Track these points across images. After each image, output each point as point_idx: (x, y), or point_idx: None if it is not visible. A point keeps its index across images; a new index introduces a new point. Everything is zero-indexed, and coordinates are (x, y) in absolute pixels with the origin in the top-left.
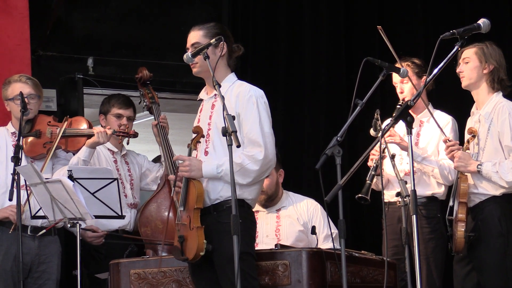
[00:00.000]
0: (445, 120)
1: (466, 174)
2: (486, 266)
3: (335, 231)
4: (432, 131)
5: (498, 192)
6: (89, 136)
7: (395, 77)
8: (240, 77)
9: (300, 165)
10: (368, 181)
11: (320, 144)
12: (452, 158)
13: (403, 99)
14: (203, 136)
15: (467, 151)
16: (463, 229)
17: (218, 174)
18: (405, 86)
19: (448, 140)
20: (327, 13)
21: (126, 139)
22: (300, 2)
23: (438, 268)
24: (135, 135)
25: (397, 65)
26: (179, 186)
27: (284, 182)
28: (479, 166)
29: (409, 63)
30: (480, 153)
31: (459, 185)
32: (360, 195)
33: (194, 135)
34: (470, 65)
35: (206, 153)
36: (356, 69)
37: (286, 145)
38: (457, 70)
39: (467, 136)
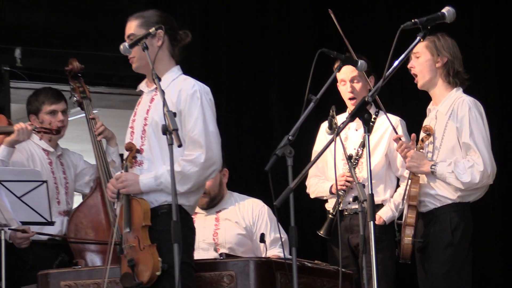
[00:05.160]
0: (393, 121)
1: (418, 175)
2: (430, 277)
3: (284, 235)
4: (379, 132)
5: (455, 196)
6: (8, 133)
7: (345, 74)
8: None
9: (249, 165)
10: (330, 216)
11: (273, 142)
12: (405, 158)
13: (351, 99)
14: (138, 152)
15: (421, 150)
16: (411, 235)
17: (157, 187)
18: (355, 86)
19: (400, 138)
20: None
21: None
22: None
23: (388, 277)
24: (58, 131)
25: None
26: (113, 197)
27: (232, 185)
28: (433, 167)
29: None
30: (435, 152)
31: (410, 187)
32: (321, 233)
33: (127, 152)
34: (421, 60)
35: (142, 150)
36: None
37: (233, 143)
38: (408, 66)
39: (422, 135)
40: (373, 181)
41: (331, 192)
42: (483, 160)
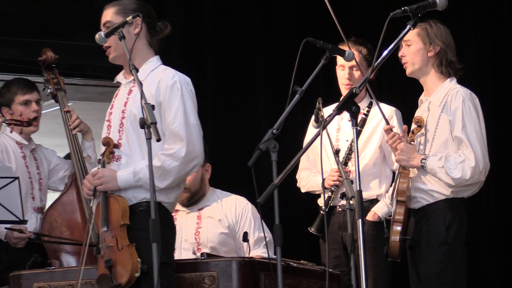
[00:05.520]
0: (387, 112)
1: (408, 169)
2: (423, 277)
3: (269, 235)
4: (373, 124)
5: (448, 191)
6: None
7: (342, 59)
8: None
9: (232, 160)
10: (322, 212)
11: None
12: (395, 150)
13: (347, 85)
14: (116, 146)
15: (411, 143)
16: (399, 232)
17: (136, 183)
18: (355, 73)
19: (391, 129)
20: None
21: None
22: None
23: (384, 277)
24: (29, 122)
25: (343, 46)
26: (89, 194)
27: (215, 181)
28: (423, 161)
29: (362, 48)
30: (427, 145)
31: (398, 182)
32: (312, 230)
33: (104, 147)
34: (412, 48)
35: (120, 145)
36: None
37: (217, 137)
38: (399, 54)
39: (412, 126)
40: (367, 175)
41: (323, 187)
42: (475, 156)
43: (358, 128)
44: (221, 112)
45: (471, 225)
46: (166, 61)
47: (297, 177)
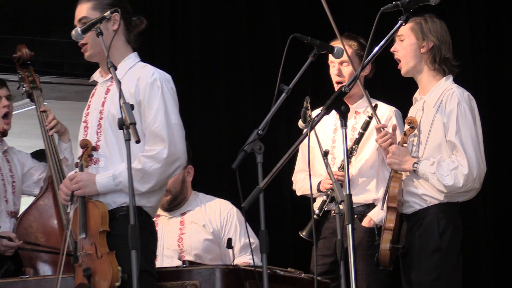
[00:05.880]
0: (386, 112)
1: (400, 173)
2: (417, 285)
3: (255, 241)
4: (371, 124)
5: (442, 195)
6: None
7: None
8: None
9: (217, 162)
10: (315, 216)
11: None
12: (385, 150)
13: (338, 83)
14: (94, 149)
15: (404, 145)
16: (390, 240)
17: (116, 187)
18: (345, 69)
19: (383, 128)
20: None
21: None
22: None
23: (379, 286)
24: None
25: (334, 43)
26: (66, 199)
27: (196, 184)
28: (415, 165)
29: (353, 43)
30: (420, 148)
31: (389, 186)
32: (303, 235)
33: (81, 150)
34: (405, 43)
35: (98, 147)
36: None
37: (201, 138)
38: (391, 49)
39: (405, 127)
40: (363, 178)
41: (318, 190)
42: (469, 162)
43: (361, 131)
44: (207, 111)
45: (466, 230)
46: (151, 61)
47: (292, 179)
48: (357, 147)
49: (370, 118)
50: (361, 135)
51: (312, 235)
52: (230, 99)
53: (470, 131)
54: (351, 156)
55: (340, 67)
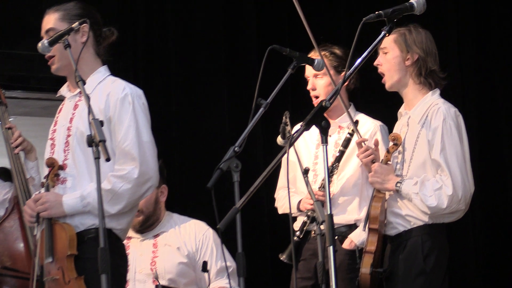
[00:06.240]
0: (370, 127)
1: (384, 192)
2: None
3: (232, 264)
4: (353, 139)
5: (426, 217)
6: None
7: (309, 69)
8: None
9: (193, 181)
10: (295, 238)
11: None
12: (367, 166)
13: (315, 97)
14: (61, 168)
15: (388, 163)
16: (370, 263)
17: (84, 208)
18: (318, 82)
19: (364, 142)
20: None
21: None
22: None
23: None
24: None
25: (312, 54)
26: (32, 221)
27: (170, 204)
28: (398, 184)
29: (326, 53)
30: (405, 166)
31: (371, 207)
32: (283, 258)
33: (48, 169)
34: (389, 56)
35: (65, 166)
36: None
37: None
38: (375, 63)
39: (390, 144)
40: (345, 197)
41: (298, 209)
42: (453, 183)
43: (341, 148)
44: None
45: (454, 252)
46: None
47: (275, 196)
48: (338, 165)
49: (351, 134)
50: (342, 152)
51: (291, 258)
52: (207, 113)
53: (456, 150)
54: (332, 175)
55: (314, 80)
